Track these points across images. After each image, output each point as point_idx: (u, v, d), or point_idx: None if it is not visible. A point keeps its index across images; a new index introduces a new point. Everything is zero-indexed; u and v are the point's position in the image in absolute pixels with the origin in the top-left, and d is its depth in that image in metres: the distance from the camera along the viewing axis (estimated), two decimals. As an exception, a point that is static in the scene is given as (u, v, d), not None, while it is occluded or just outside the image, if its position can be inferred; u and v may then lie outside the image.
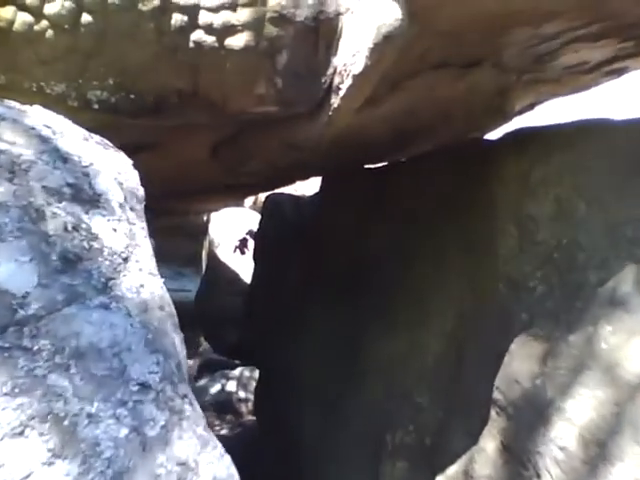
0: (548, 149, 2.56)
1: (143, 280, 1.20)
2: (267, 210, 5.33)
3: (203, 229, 7.01)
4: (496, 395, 2.32)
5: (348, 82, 1.95)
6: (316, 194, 4.61)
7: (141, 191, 1.42)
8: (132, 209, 1.32)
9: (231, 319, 6.23)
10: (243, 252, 6.09)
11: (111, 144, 1.48)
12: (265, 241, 5.15)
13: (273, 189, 4.92)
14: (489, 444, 2.33)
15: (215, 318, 6.53)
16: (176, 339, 1.20)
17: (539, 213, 2.42)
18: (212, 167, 2.99)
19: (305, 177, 4.47)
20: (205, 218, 6.59)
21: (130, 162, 1.46)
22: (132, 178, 1.39)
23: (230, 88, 1.98)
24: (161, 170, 3.05)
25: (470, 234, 2.79)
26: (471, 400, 2.45)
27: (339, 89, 1.99)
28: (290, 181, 4.47)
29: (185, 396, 1.12)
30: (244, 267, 6.24)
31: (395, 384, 2.81)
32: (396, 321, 3.00)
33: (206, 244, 6.82)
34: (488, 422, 2.32)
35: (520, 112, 3.94)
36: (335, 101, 2.03)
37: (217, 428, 7.98)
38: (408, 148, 3.56)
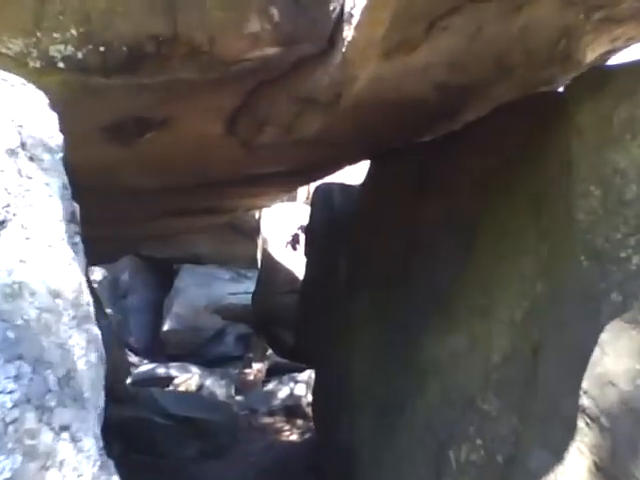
0: (635, 85, 2.01)
1: (28, 253, 0.83)
2: (316, 201, 4.94)
3: (257, 228, 6.71)
4: (584, 401, 1.79)
5: (361, 3, 1.50)
6: (365, 179, 4.16)
7: (57, 139, 1.05)
8: (33, 159, 0.95)
9: (287, 320, 5.88)
10: (295, 248, 5.73)
11: (26, 82, 1.12)
12: (315, 234, 4.76)
13: (312, 178, 4.52)
14: (577, 463, 1.80)
15: (272, 320, 6.21)
16: (77, 340, 0.82)
17: (627, 164, 1.87)
18: (231, 146, 2.63)
19: (344, 160, 4.03)
20: (257, 216, 6.29)
21: (46, 102, 1.09)
22: (42, 122, 1.02)
23: (216, 27, 1.59)
24: (178, 153, 2.72)
25: (542, 202, 2.26)
26: (552, 408, 1.92)
27: (351, 16, 1.55)
28: (329, 167, 4.05)
29: (65, 428, 0.72)
30: (298, 264, 5.87)
31: (456, 388, 2.32)
32: (456, 312, 2.51)
33: (259, 242, 6.50)
34: (575, 436, 1.80)
35: (593, 64, 3.33)
36: (348, 33, 1.59)
37: (287, 433, 7.63)
38: (460, 113, 3.06)
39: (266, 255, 6.22)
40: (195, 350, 10.09)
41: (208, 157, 2.85)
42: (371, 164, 4.04)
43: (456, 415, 2.28)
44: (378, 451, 2.73)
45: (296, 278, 5.97)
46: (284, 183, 4.65)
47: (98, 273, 10.18)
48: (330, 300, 3.96)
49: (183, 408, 7.22)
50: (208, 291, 10.54)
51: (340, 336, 3.57)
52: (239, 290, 10.09)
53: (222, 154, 2.77)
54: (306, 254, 4.89)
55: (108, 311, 10.09)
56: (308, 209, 6.31)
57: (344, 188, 4.80)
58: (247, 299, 8.28)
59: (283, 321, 5.97)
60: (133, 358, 9.83)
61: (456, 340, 2.38)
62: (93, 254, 6.21)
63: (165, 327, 10.15)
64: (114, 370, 5.62)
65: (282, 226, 6.30)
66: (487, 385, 2.18)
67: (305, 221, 5.48)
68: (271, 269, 6.13)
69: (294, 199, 6.60)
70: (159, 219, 4.95)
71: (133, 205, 4.16)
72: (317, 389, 4.27)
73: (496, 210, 2.43)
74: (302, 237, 5.58)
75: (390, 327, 2.99)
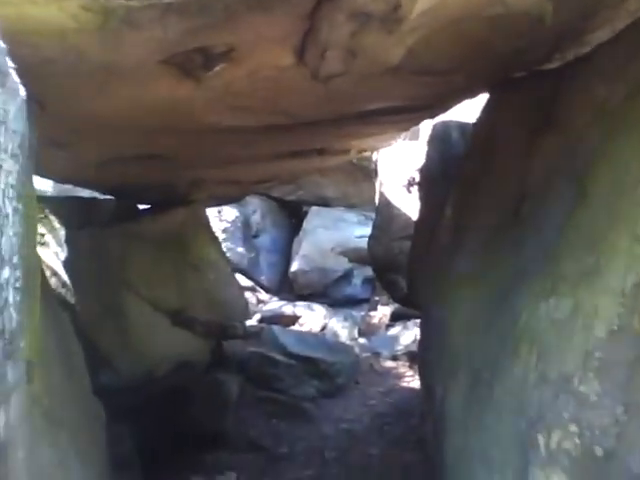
0: None
1: None
2: (432, 139, 4.55)
3: (376, 169, 6.43)
4: None
5: None
6: (479, 114, 3.69)
7: None
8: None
9: (403, 266, 5.64)
10: (411, 191, 5.39)
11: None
12: (428, 175, 4.41)
13: (427, 115, 4.11)
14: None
15: (388, 265, 6.00)
16: None
17: None
18: (307, 79, 2.38)
19: (458, 93, 3.57)
20: (375, 157, 5.99)
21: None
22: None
23: None
24: (257, 90, 2.53)
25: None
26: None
27: None
28: (442, 101, 3.62)
29: None
30: (415, 208, 5.55)
31: (550, 363, 1.96)
32: (560, 273, 2.10)
33: (377, 185, 6.23)
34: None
35: None
36: None
37: (408, 379, 7.53)
38: (586, 32, 2.50)
39: (382, 198, 5.95)
40: (321, 291, 10.29)
41: (289, 94, 2.63)
42: (488, 97, 3.57)
43: (549, 395, 1.93)
44: (468, 425, 2.46)
45: (412, 223, 5.66)
46: (395, 122, 4.30)
47: (230, 213, 10.58)
48: (435, 249, 3.65)
49: (304, 347, 7.35)
50: (335, 233, 10.61)
51: (441, 290, 3.27)
52: (366, 233, 10.00)
53: (302, 89, 2.53)
54: (419, 197, 4.55)
55: (240, 250, 10.55)
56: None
57: (462, 126, 4.35)
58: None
59: (399, 267, 5.74)
60: (263, 295, 10.24)
61: (556, 308, 2.00)
62: (214, 196, 6.34)
63: (293, 267, 10.41)
64: (231, 309, 5.82)
65: (400, 167, 5.96)
66: (587, 364, 1.80)
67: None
68: (387, 213, 5.87)
69: (416, 137, 6.15)
70: (270, 161, 4.86)
71: (236, 147, 4.10)
72: (420, 344, 4.03)
73: (616, 155, 1.95)
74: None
75: (491, 288, 2.64)
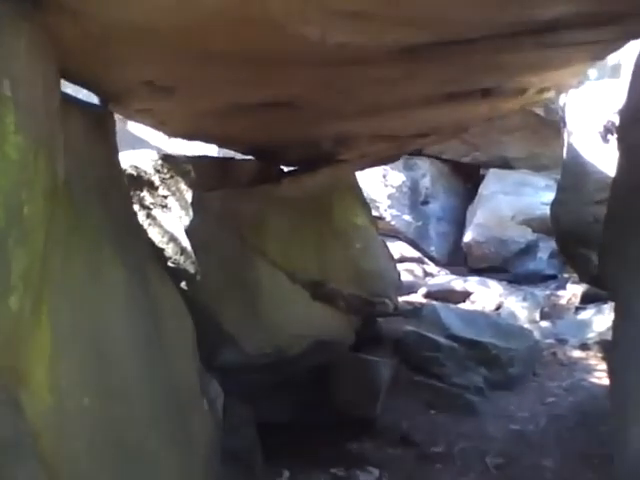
0: None
1: None
2: (636, 71, 3.31)
3: (564, 116, 5.14)
4: None
5: None
6: None
7: None
8: None
9: (595, 237, 4.42)
10: (608, 140, 4.12)
11: None
12: (630, 119, 3.19)
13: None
14: None
15: (576, 236, 4.81)
16: None
17: None
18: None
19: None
20: (563, 102, 4.74)
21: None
22: None
23: None
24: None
25: None
26: None
27: None
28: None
29: None
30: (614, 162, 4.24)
31: None
32: None
33: (564, 135, 4.96)
34: None
35: None
36: None
37: (599, 374, 6.39)
38: None
39: (571, 151, 4.69)
40: (499, 264, 9.35)
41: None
42: None
43: None
44: None
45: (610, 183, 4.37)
46: (584, 44, 3.18)
47: (397, 177, 9.87)
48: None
49: (472, 329, 6.49)
50: (517, 199, 9.50)
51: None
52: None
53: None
54: (618, 147, 3.36)
55: (407, 217, 9.82)
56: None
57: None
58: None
59: (591, 239, 4.52)
60: (432, 268, 9.49)
61: None
62: (367, 155, 5.67)
63: (467, 237, 9.52)
64: (380, 282, 5.12)
65: (595, 111, 4.63)
66: None
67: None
68: (576, 171, 4.62)
69: (617, 74, 4.72)
70: (423, 107, 4.02)
71: (372, 88, 3.35)
72: (615, 336, 2.94)
73: None
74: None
75: None
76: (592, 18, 2.57)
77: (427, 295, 8.03)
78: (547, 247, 9.14)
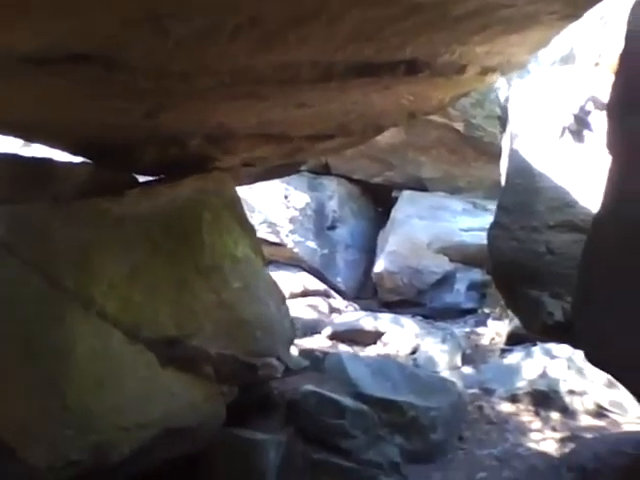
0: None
1: None
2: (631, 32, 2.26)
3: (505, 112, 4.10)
4: None
5: None
6: None
7: None
8: None
9: (552, 275, 3.36)
10: (581, 138, 3.09)
11: None
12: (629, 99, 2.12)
13: None
14: None
15: (521, 272, 3.74)
16: None
17: None
18: None
19: None
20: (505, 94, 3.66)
21: None
22: None
23: None
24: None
25: None
26: None
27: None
28: None
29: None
30: (584, 170, 3.13)
31: None
32: None
33: (504, 138, 3.87)
34: None
35: None
36: None
37: (536, 434, 5.32)
38: None
39: (515, 161, 3.60)
40: (413, 297, 8.62)
41: None
42: None
43: None
44: None
45: (575, 200, 3.27)
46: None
47: (300, 198, 8.84)
48: None
49: (384, 385, 5.39)
50: (433, 225, 8.89)
51: None
52: (474, 225, 8.35)
53: None
54: (608, 146, 2.27)
55: (311, 244, 8.81)
56: (597, 75, 3.44)
57: None
58: (485, 237, 6.32)
59: (541, 275, 3.47)
60: (339, 302, 8.45)
61: None
62: (252, 163, 4.39)
63: (378, 267, 8.70)
64: (266, 335, 3.79)
65: (547, 107, 3.56)
66: None
67: (598, 89, 2.80)
68: (523, 186, 3.53)
69: (571, 60, 3.74)
70: (324, 85, 2.82)
71: (240, 44, 2.09)
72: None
73: None
74: (596, 118, 2.88)
75: None
76: None
77: (332, 336, 7.01)
78: (465, 278, 8.55)
